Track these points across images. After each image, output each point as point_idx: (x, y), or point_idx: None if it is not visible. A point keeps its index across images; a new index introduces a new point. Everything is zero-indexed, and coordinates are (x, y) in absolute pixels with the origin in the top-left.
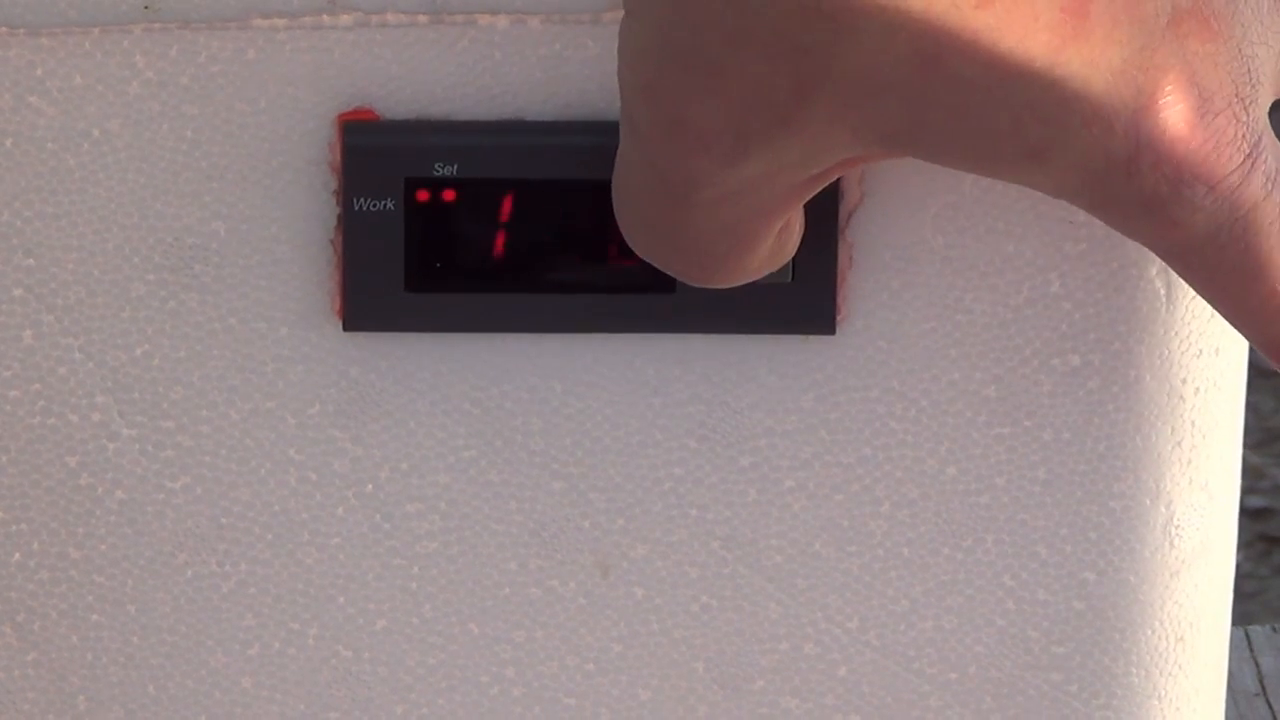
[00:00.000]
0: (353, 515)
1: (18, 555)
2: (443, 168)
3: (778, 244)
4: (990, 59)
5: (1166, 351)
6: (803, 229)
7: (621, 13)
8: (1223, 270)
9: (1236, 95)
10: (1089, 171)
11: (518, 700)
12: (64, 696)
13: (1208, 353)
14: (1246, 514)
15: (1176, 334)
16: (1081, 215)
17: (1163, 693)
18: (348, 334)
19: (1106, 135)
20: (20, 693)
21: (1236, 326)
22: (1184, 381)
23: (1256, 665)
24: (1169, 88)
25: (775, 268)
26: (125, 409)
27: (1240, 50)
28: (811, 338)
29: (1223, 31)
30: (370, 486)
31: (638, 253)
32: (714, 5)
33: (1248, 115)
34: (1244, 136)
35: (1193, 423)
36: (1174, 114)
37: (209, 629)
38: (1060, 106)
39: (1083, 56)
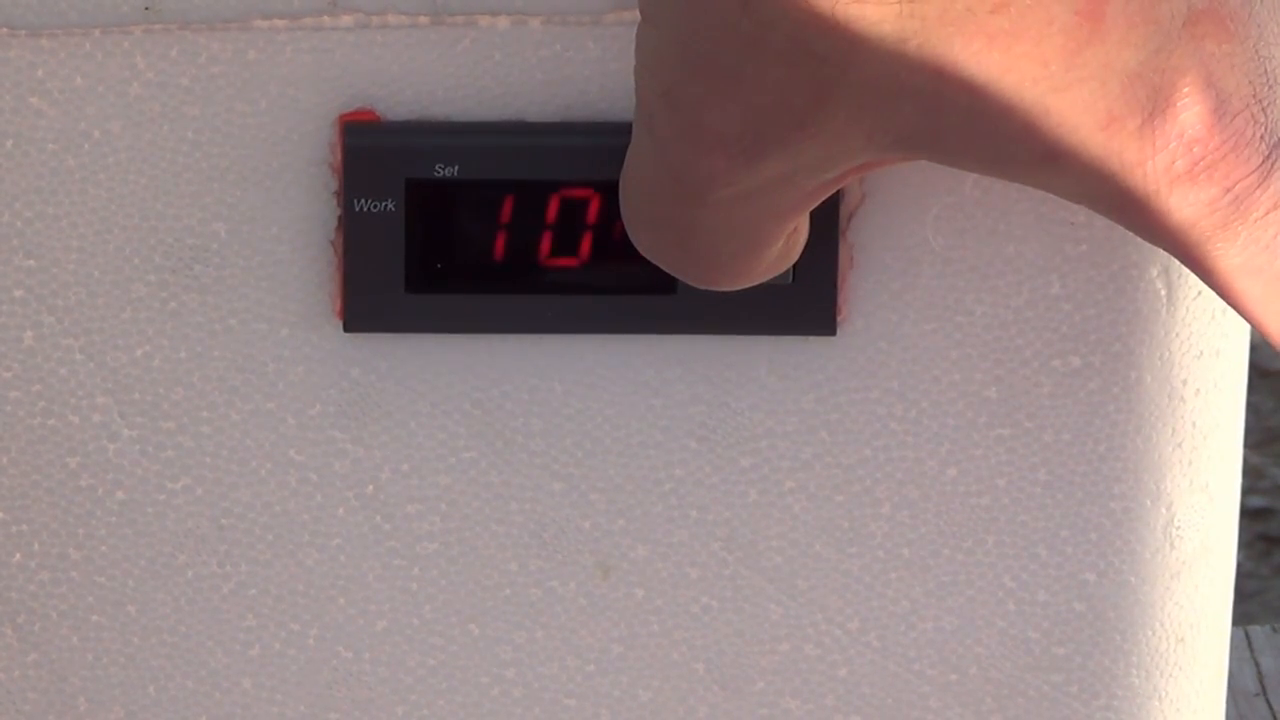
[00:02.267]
0: (353, 516)
1: (18, 556)
2: (443, 169)
3: (786, 247)
4: (1006, 63)
5: (1167, 353)
6: (807, 234)
7: (622, 14)
8: (1244, 272)
9: (1254, 96)
10: (1105, 175)
11: (518, 701)
12: (64, 697)
13: (1208, 354)
14: (1246, 514)
15: (1177, 335)
16: (1082, 216)
17: (1163, 694)
18: (348, 335)
19: (1122, 138)
20: (21, 693)
21: (1259, 327)
22: (1184, 383)
23: (1256, 665)
24: (1186, 89)
25: (780, 271)
26: (126, 410)
27: (1257, 51)
28: (812, 339)
29: (1239, 32)
30: (371, 487)
31: (643, 252)
32: (731, 14)
33: (1266, 116)
34: (1262, 138)
35: (1193, 424)
36: (1191, 115)
37: (209, 630)
38: (1076, 110)
39: (1099, 59)
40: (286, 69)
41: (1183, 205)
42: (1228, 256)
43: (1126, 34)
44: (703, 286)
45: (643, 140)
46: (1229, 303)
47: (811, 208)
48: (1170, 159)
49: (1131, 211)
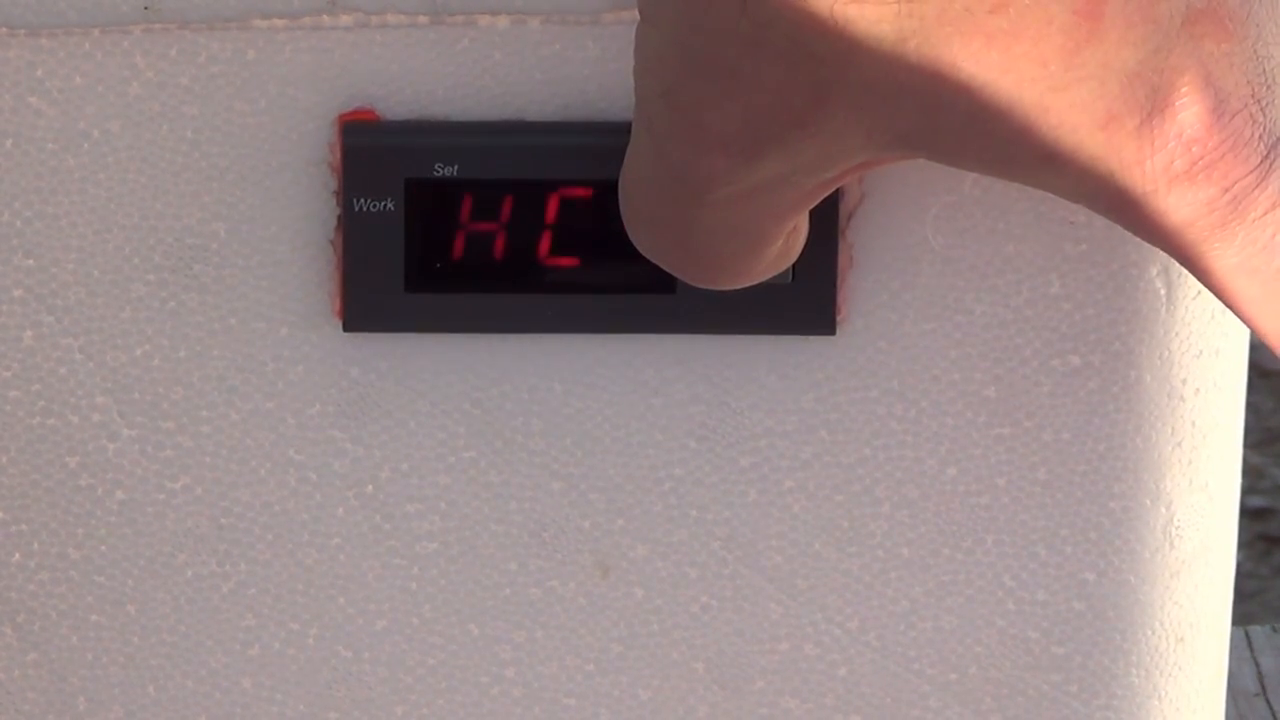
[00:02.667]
0: (353, 515)
1: (18, 556)
2: (443, 168)
3: (785, 247)
4: (1005, 63)
5: (1167, 352)
6: (807, 233)
7: (622, 13)
8: (1241, 272)
9: (1253, 96)
10: (1103, 174)
11: (518, 701)
12: (64, 697)
13: (1208, 353)
14: (1246, 514)
15: (1177, 335)
16: (1082, 216)
17: (1163, 693)
18: (348, 334)
19: (1121, 137)
20: (20, 693)
21: (1254, 327)
22: (1184, 382)
23: (1256, 665)
24: (1184, 89)
25: (778, 271)
26: (125, 409)
27: (1256, 51)
28: (811, 338)
29: (1238, 32)
30: (370, 487)
31: (643, 251)
32: (729, 14)
33: (1264, 116)
34: (1260, 138)
35: (1193, 423)
36: (1190, 115)
37: (209, 629)
38: (1075, 109)
39: (1098, 58)
40: (286, 68)
41: (1181, 205)
42: (1225, 256)
43: (1125, 33)
44: (702, 286)
45: (642, 140)
46: (1225, 303)
47: (811, 206)
48: (1169, 158)
49: (1130, 211)
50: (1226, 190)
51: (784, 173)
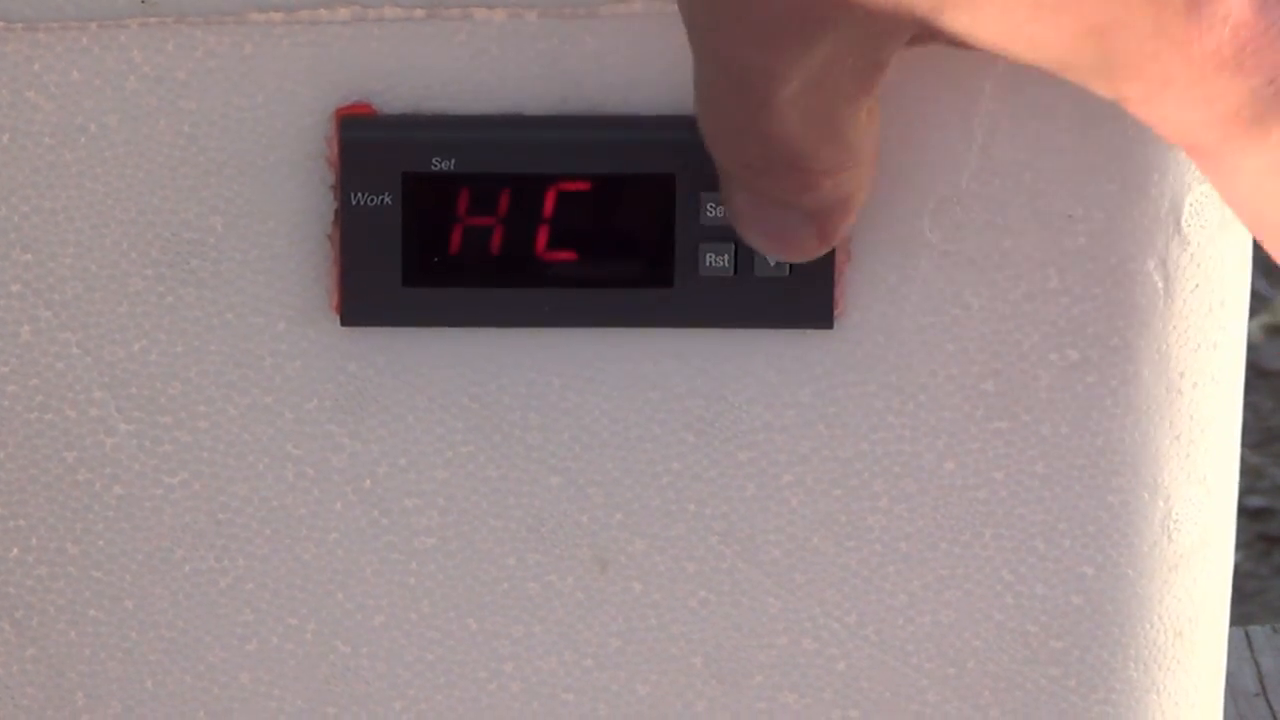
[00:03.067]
0: (351, 510)
1: (16, 551)
2: (440, 162)
3: (870, 124)
4: None
5: (1165, 346)
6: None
7: (618, 6)
8: (1272, 173)
9: None
10: (1147, 54)
11: (516, 695)
12: (62, 692)
13: (1206, 347)
14: (1246, 514)
15: (1174, 328)
16: (1080, 210)
17: (1161, 687)
18: (345, 329)
19: (1168, 15)
20: (19, 688)
21: (1270, 235)
22: (1182, 376)
23: (1256, 665)
24: None
25: (873, 153)
26: (123, 404)
27: None
28: (809, 332)
29: None
30: (368, 482)
31: (728, 165)
32: None
33: None
34: None
35: (1191, 417)
36: None
37: (207, 624)
38: None
39: None
40: (283, 63)
41: (1227, 93)
42: (1258, 154)
43: None
44: (800, 190)
45: (700, 59)
46: (1239, 212)
47: (874, 88)
48: (1216, 41)
49: (1168, 100)
50: (1271, 81)
51: (836, 57)
